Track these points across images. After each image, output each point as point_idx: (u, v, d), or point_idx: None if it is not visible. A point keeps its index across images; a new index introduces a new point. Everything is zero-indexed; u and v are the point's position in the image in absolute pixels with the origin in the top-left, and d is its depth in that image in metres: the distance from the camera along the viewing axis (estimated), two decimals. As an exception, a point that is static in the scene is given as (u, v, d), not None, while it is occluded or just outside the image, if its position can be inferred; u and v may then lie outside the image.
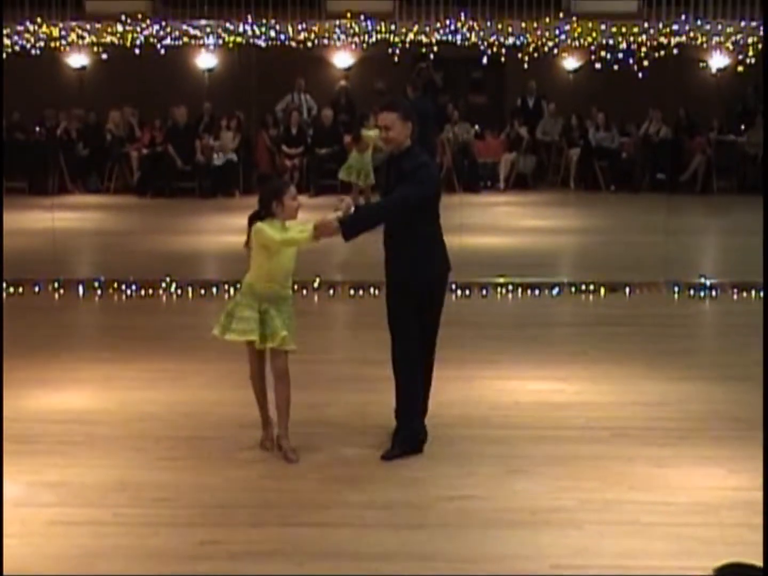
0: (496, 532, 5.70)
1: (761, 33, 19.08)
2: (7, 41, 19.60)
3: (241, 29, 20.27)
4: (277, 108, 22.09)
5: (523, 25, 19.86)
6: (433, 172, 7.08)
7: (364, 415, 7.66)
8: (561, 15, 19.94)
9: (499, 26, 19.80)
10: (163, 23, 20.37)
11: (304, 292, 11.41)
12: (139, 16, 20.39)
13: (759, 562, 5.24)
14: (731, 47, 19.95)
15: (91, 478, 6.44)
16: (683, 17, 20.10)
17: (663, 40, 19.79)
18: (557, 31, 19.87)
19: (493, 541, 5.59)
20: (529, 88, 22.75)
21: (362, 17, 20.11)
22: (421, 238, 6.84)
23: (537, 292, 11.95)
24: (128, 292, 11.92)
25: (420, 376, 7.05)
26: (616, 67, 19.92)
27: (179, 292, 11.93)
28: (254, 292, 6.81)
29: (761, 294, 11.68)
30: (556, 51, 20.64)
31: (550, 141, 22.44)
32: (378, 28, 20.24)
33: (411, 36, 20.35)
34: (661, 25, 19.81)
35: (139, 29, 20.28)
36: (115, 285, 12.02)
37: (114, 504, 6.06)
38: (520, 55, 20.36)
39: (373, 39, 20.51)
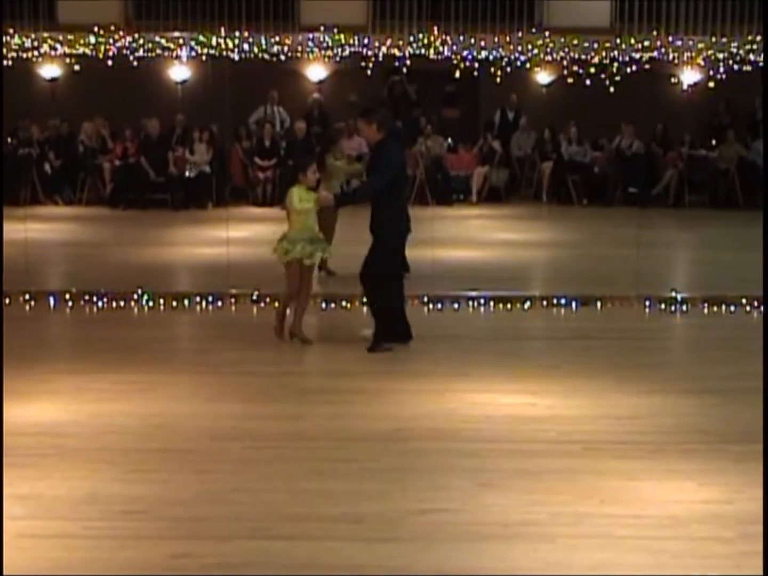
0: (467, 545, 5.70)
1: (732, 49, 19.26)
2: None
3: (214, 41, 20.29)
4: (250, 120, 22.10)
5: (496, 39, 19.94)
6: (393, 158, 9.72)
7: (336, 428, 7.66)
8: (533, 29, 20.05)
9: (472, 40, 19.88)
10: (136, 35, 20.37)
11: (276, 304, 11.37)
12: (112, 27, 20.38)
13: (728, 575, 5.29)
14: (702, 63, 20.09)
15: (61, 491, 6.41)
16: (655, 33, 20.26)
17: (635, 55, 19.92)
18: (529, 45, 19.97)
19: (465, 554, 5.59)
20: (511, 102, 22.75)
21: (335, 30, 20.17)
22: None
23: (509, 305, 11.95)
24: (100, 303, 11.87)
25: None
26: (588, 81, 20.03)
27: (151, 304, 11.89)
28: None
29: (731, 308, 11.75)
30: (528, 65, 20.73)
31: (523, 155, 22.51)
32: (351, 41, 20.29)
33: (384, 49, 20.40)
34: (633, 41, 19.95)
35: (111, 41, 20.26)
36: (87, 297, 11.95)
37: (84, 517, 6.02)
38: (493, 69, 20.44)
39: (347, 52, 20.56)
